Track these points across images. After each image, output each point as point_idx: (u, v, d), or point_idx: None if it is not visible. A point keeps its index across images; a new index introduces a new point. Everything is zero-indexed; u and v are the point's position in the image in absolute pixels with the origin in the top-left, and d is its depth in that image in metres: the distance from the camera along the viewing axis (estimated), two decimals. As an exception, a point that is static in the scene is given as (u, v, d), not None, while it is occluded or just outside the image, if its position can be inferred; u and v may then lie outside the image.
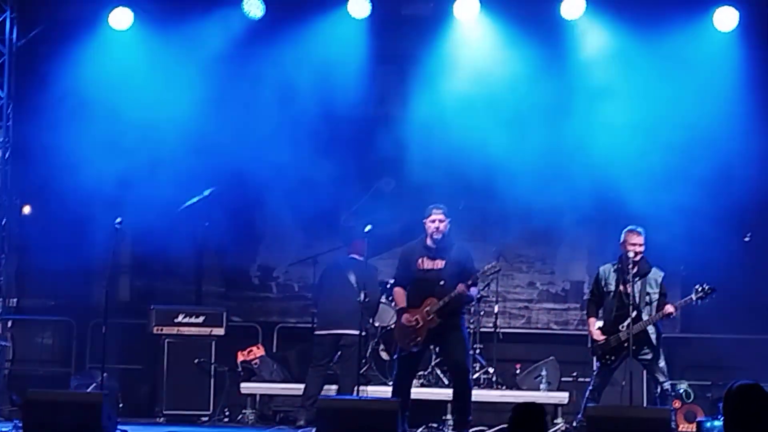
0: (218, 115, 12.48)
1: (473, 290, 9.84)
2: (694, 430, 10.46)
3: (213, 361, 11.74)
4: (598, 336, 9.86)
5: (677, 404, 10.98)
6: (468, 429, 9.70)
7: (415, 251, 9.76)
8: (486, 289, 11.97)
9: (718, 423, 9.11)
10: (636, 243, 9.77)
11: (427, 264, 9.68)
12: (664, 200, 11.64)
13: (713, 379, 11.27)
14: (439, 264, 9.65)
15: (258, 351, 12.05)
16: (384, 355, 11.49)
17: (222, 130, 12.51)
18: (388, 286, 11.12)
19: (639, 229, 9.84)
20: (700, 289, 9.62)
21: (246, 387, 11.68)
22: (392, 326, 10.97)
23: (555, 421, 11.09)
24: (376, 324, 11.66)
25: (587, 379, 10.49)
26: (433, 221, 9.66)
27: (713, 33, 11.97)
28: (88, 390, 10.88)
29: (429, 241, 9.70)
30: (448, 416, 10.85)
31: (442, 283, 9.54)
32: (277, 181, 12.57)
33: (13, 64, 12.20)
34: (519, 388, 11.63)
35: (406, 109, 12.67)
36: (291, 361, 12.25)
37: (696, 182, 11.77)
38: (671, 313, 9.69)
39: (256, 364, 11.91)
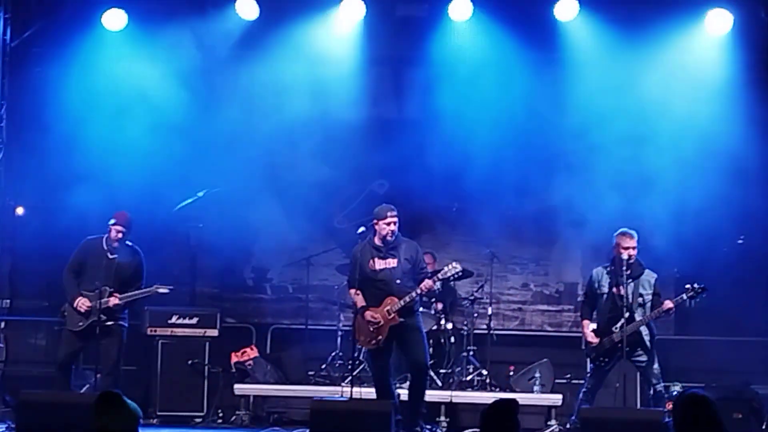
0: (212, 116, 12.48)
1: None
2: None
3: (206, 362, 11.71)
4: (593, 338, 9.89)
5: (670, 406, 10.98)
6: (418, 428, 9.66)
7: (366, 252, 9.74)
8: (480, 290, 11.98)
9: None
10: (629, 246, 9.78)
11: (378, 264, 9.67)
12: (657, 202, 11.67)
13: (707, 381, 11.26)
14: (391, 263, 9.65)
15: (252, 352, 12.03)
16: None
17: (216, 131, 12.52)
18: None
19: (632, 232, 9.85)
20: (690, 288, 9.64)
21: (239, 388, 11.65)
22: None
23: (548, 423, 11.10)
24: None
25: (581, 381, 10.49)
26: (388, 224, 9.63)
27: (707, 35, 12.00)
28: (82, 391, 10.86)
29: (378, 241, 9.70)
30: (441, 418, 10.86)
31: (398, 281, 9.56)
32: (272, 183, 12.58)
33: (6, 65, 12.19)
34: (513, 390, 11.59)
35: (400, 110, 12.67)
36: (285, 362, 12.24)
37: (689, 185, 11.80)
38: (670, 309, 9.69)
39: (249, 365, 11.89)
